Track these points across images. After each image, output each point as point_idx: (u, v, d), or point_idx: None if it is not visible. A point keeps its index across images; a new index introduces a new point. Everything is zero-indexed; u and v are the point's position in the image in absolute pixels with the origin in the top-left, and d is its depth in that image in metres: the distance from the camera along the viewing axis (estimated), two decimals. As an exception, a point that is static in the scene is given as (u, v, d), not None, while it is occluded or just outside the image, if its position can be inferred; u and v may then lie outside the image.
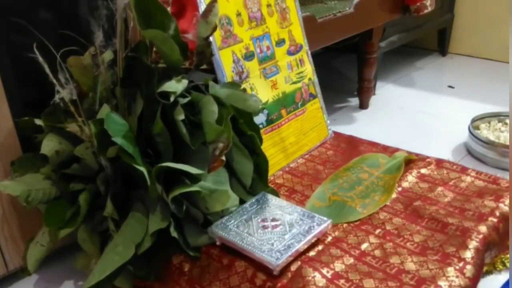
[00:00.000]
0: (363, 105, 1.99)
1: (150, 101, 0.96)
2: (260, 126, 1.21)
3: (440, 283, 0.85)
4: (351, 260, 0.92)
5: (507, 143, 1.52)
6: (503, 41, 2.40)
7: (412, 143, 1.44)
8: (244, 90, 1.08)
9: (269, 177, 1.12)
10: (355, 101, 2.03)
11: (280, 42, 1.31)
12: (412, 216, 1.04)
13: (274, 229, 0.96)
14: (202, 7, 1.10)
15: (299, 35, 1.37)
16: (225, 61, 1.15)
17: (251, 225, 0.97)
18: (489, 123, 1.71)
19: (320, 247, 0.96)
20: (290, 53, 1.34)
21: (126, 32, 0.98)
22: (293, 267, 0.90)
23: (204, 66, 1.09)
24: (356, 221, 1.04)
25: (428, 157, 1.26)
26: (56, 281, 1.15)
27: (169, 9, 1.07)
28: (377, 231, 1.00)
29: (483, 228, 0.97)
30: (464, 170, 1.20)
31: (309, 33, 1.40)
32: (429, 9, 1.78)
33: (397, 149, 1.30)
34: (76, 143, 0.99)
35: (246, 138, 1.03)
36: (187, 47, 1.00)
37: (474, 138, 1.58)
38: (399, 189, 1.13)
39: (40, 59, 0.90)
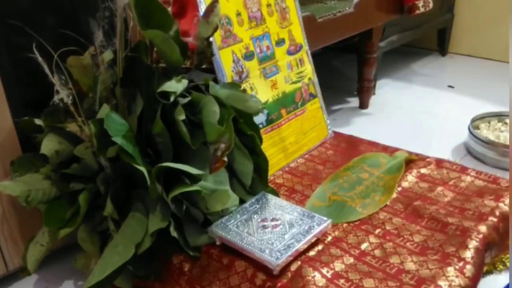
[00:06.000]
0: (363, 105, 1.99)
1: (150, 101, 0.96)
2: (260, 126, 1.21)
3: (440, 283, 0.85)
4: (351, 260, 0.92)
5: (507, 143, 1.52)
6: (503, 41, 2.40)
7: (412, 143, 1.44)
8: (244, 90, 1.08)
9: (269, 177, 1.12)
10: (355, 101, 2.03)
11: (280, 42, 1.31)
12: (412, 216, 1.04)
13: (274, 229, 0.96)
14: (202, 7, 1.10)
15: (299, 35, 1.37)
16: (225, 61, 1.15)
17: (251, 225, 0.97)
18: (489, 123, 1.71)
19: (320, 247, 0.96)
20: (290, 53, 1.34)
21: (126, 32, 0.98)
22: (293, 267, 0.90)
23: (204, 66, 1.09)
24: (356, 221, 1.04)
25: (428, 157, 1.26)
26: (56, 281, 1.15)
27: (170, 9, 1.07)
28: (377, 231, 1.00)
29: (483, 228, 0.97)
30: (464, 169, 1.20)
31: (309, 33, 1.40)
32: (421, 10, 1.78)
33: (397, 149, 1.30)
34: (76, 143, 0.99)
35: (246, 138, 1.03)
36: (187, 47, 1.00)
37: (474, 138, 1.58)
38: (399, 189, 1.13)
39: (40, 59, 0.90)
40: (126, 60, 0.97)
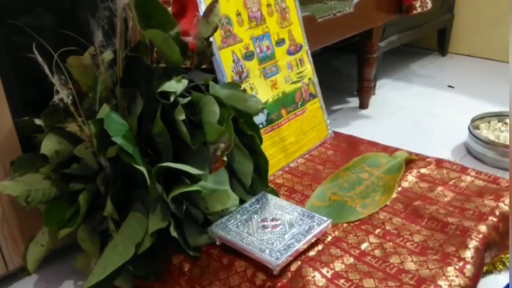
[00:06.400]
0: (363, 105, 1.99)
1: (150, 101, 0.96)
2: (260, 126, 1.21)
3: (440, 282, 0.85)
4: (351, 260, 0.92)
5: (507, 143, 1.52)
6: (503, 41, 2.40)
7: (412, 143, 1.45)
8: (244, 90, 1.08)
9: (269, 177, 1.12)
10: (355, 101, 2.03)
11: (280, 42, 1.31)
12: (412, 216, 1.04)
13: (274, 229, 0.96)
14: (202, 7, 1.10)
15: (299, 35, 1.37)
16: (225, 61, 1.15)
17: (251, 225, 0.97)
18: (489, 123, 1.71)
19: (320, 247, 0.96)
20: (290, 52, 1.34)
21: (126, 32, 0.98)
22: (293, 267, 0.90)
23: (204, 66, 1.09)
24: (356, 221, 1.04)
25: (428, 157, 1.26)
26: (56, 281, 1.15)
27: (170, 9, 1.07)
28: (377, 231, 1.00)
29: (483, 228, 0.97)
30: (464, 169, 1.20)
31: (309, 33, 1.40)
32: (419, 10, 1.79)
33: (397, 149, 1.30)
34: (76, 143, 0.99)
35: (246, 138, 1.03)
36: (187, 47, 1.00)
37: (474, 138, 1.58)
38: (399, 189, 1.13)
39: (40, 59, 0.90)
40: (126, 60, 0.97)
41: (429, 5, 1.82)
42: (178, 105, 0.96)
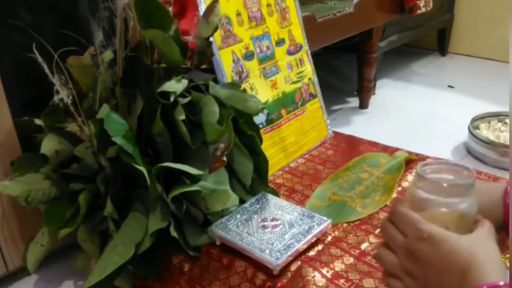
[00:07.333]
0: (363, 105, 2.00)
1: (150, 101, 0.96)
2: (260, 125, 1.21)
3: (440, 283, 0.85)
4: (351, 260, 0.92)
5: (507, 143, 1.52)
6: (503, 41, 2.40)
7: (412, 143, 1.44)
8: (244, 90, 1.08)
9: (269, 177, 1.12)
10: (355, 101, 2.03)
11: (280, 42, 1.31)
12: (412, 216, 1.04)
13: (274, 229, 0.96)
14: (202, 7, 1.10)
15: (299, 34, 1.37)
16: (225, 61, 1.15)
17: (251, 225, 0.97)
18: (489, 123, 1.71)
19: (320, 247, 0.96)
20: (290, 53, 1.34)
21: (126, 32, 0.98)
22: (293, 267, 0.90)
23: (204, 66, 1.09)
24: (356, 221, 1.04)
25: (428, 157, 1.26)
26: (56, 281, 1.15)
27: (170, 9, 1.07)
28: (377, 231, 1.00)
29: (483, 228, 0.97)
30: (464, 170, 1.20)
31: (309, 33, 1.40)
32: (423, 10, 1.79)
33: (397, 149, 1.30)
34: (76, 143, 0.99)
35: (246, 138, 1.03)
36: (187, 47, 1.00)
37: (474, 138, 1.59)
38: (399, 188, 1.13)
39: (40, 59, 0.90)
40: (126, 60, 0.97)
41: (431, 5, 1.82)
42: (178, 105, 0.96)
